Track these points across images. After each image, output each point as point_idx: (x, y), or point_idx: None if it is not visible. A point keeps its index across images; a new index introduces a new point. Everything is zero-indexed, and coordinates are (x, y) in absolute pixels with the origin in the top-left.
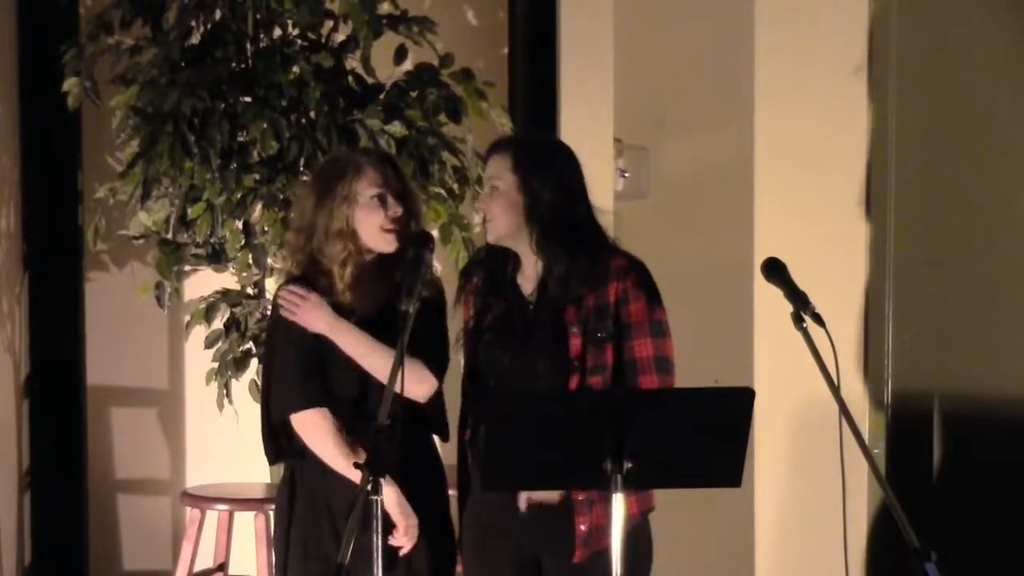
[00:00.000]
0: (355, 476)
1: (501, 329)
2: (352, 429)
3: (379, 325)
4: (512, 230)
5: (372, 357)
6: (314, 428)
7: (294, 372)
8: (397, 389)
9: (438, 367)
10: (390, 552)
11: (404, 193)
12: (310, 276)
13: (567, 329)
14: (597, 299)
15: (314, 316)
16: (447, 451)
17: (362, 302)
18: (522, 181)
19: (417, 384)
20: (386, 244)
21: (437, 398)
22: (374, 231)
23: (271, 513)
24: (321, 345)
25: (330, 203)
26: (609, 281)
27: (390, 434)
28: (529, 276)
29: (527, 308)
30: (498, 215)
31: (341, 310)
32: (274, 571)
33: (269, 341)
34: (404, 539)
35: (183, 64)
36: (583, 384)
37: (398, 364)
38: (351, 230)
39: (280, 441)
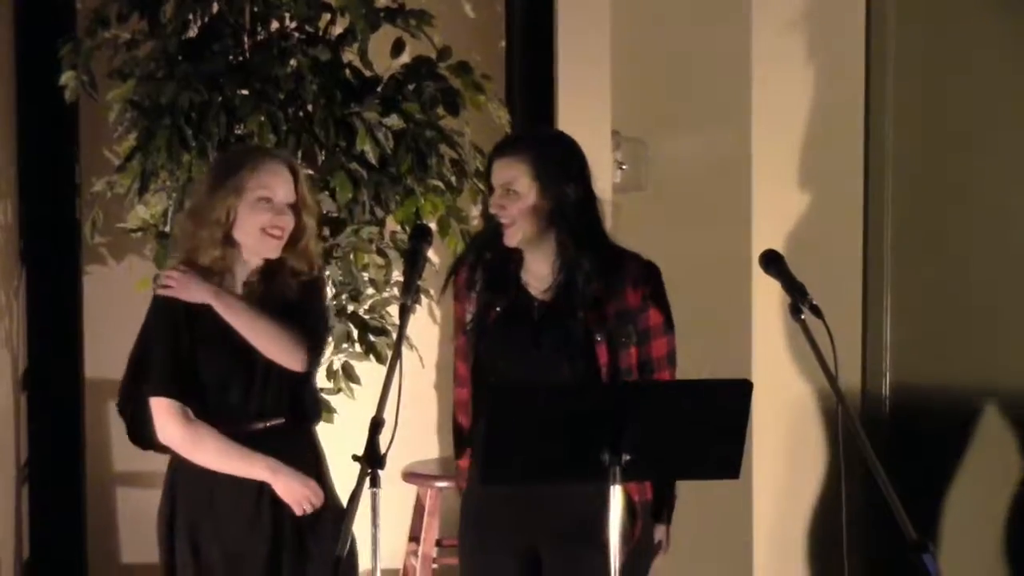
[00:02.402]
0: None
1: (508, 327)
2: (209, 415)
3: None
4: (537, 234)
5: (255, 326)
6: (165, 421)
7: (155, 359)
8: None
9: (313, 344)
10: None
11: (297, 204)
12: (196, 270)
13: (592, 336)
14: (617, 304)
15: (195, 288)
16: (441, 444)
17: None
18: (545, 187)
19: (288, 355)
20: (264, 248)
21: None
22: (254, 230)
23: None
24: (189, 335)
25: (218, 192)
26: (626, 285)
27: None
28: (537, 275)
29: (535, 307)
30: (520, 220)
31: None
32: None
33: (142, 330)
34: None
35: (180, 57)
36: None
37: (395, 360)
38: (228, 223)
39: (146, 428)
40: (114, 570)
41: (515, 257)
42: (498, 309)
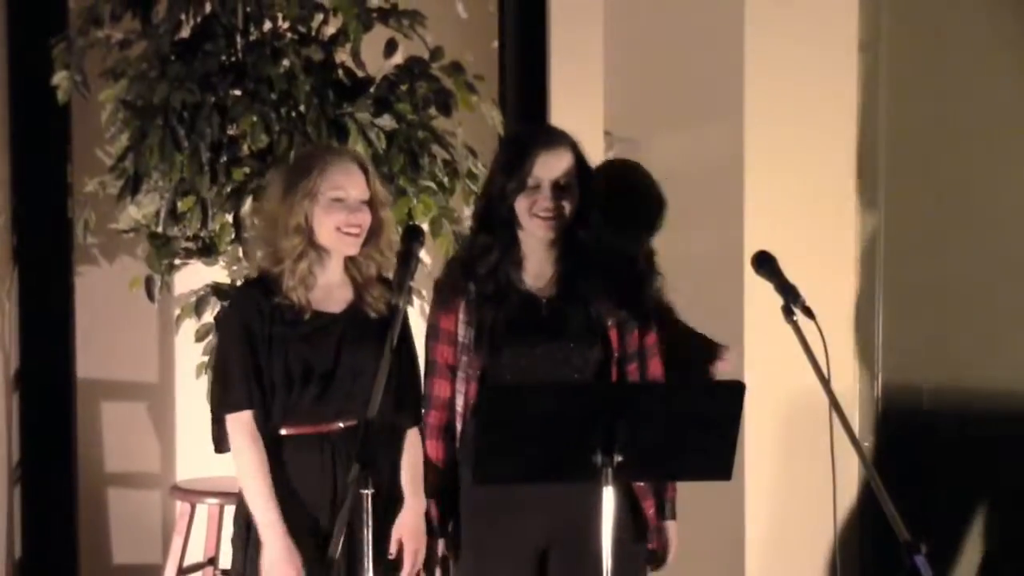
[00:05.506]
0: (259, 495)
1: (520, 328)
2: (287, 418)
3: (345, 325)
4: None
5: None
6: (235, 435)
7: (229, 373)
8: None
9: (418, 410)
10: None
11: (372, 200)
12: (270, 275)
13: (603, 322)
14: (625, 286)
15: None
16: None
17: (320, 301)
18: (582, 183)
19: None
20: (343, 246)
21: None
22: (330, 231)
23: None
24: (258, 341)
25: (292, 198)
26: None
27: (371, 429)
28: (537, 273)
29: (541, 304)
30: (567, 215)
31: (292, 309)
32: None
33: (218, 338)
34: (408, 566)
35: (173, 57)
36: (622, 374)
37: (387, 357)
38: (308, 227)
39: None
40: (106, 571)
41: (508, 263)
42: (502, 314)
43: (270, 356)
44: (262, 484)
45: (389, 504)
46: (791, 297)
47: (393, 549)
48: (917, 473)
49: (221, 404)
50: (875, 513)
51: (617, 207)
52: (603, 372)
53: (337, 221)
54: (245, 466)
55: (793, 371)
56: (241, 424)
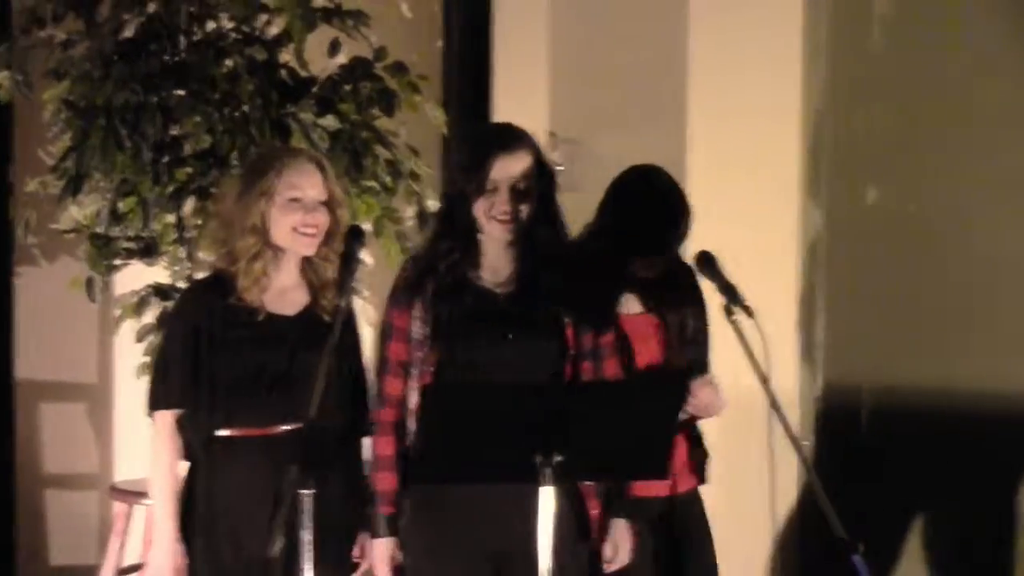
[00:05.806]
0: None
1: (478, 325)
2: (232, 419)
3: (301, 328)
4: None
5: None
6: (157, 432)
7: (163, 371)
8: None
9: (367, 411)
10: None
11: (329, 200)
12: (225, 275)
13: (560, 318)
14: (575, 292)
15: None
16: None
17: (274, 303)
18: (538, 184)
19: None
20: (300, 246)
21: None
22: (286, 231)
23: None
24: (204, 341)
25: (248, 198)
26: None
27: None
28: (496, 270)
29: (498, 299)
30: (525, 217)
31: (246, 311)
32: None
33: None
34: (364, 567)
35: (116, 57)
36: (577, 371)
37: (326, 358)
38: (264, 227)
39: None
40: (43, 571)
41: (467, 262)
42: (458, 310)
43: (221, 357)
44: (167, 486)
45: (345, 507)
46: (731, 296)
47: (357, 551)
48: (857, 473)
49: (151, 399)
50: (814, 512)
51: (639, 215)
52: (558, 368)
53: (293, 221)
54: (157, 465)
55: (734, 370)
56: (164, 423)
